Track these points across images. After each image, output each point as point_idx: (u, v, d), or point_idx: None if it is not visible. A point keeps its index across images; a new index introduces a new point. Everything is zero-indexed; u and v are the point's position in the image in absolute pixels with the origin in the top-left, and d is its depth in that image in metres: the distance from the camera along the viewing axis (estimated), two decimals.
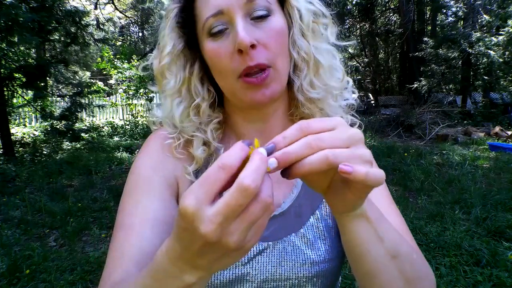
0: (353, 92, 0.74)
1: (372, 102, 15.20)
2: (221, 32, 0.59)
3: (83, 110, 8.20)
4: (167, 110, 0.69)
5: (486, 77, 12.09)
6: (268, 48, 0.59)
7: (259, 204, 0.34)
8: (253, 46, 0.57)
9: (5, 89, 6.75)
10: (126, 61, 11.10)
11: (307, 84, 0.66)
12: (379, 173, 0.39)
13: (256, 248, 0.63)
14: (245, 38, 0.55)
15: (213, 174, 0.34)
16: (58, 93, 8.61)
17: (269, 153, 0.38)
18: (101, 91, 10.78)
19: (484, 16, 10.54)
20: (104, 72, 11.51)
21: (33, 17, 5.36)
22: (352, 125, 0.74)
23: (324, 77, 0.67)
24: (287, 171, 0.39)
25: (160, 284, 0.42)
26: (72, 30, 7.76)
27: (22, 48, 7.23)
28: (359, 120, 0.74)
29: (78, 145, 8.02)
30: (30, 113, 10.24)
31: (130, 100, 11.16)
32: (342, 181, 0.43)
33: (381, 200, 0.65)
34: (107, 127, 10.97)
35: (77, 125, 8.38)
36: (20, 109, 8.65)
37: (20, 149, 7.42)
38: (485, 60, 10.52)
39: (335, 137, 0.39)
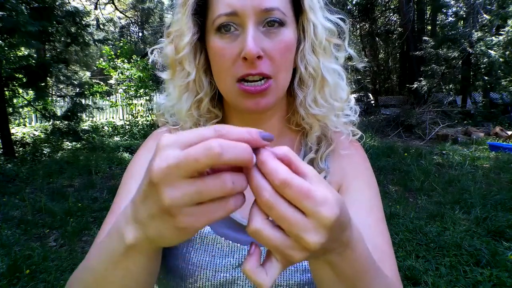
0: (355, 111, 0.73)
1: (372, 102, 15.21)
2: (229, 32, 0.58)
3: (84, 111, 8.22)
4: (173, 100, 0.68)
5: (486, 77, 12.09)
6: (273, 61, 0.58)
7: (218, 180, 0.31)
8: (259, 57, 0.56)
9: (5, 89, 6.75)
10: (126, 61, 11.10)
11: (311, 100, 0.66)
12: (260, 284, 0.34)
13: (248, 253, 0.62)
14: (253, 48, 0.54)
15: (204, 130, 0.32)
16: (58, 93, 8.61)
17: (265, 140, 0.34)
18: (103, 91, 10.78)
19: (485, 15, 10.54)
20: (106, 73, 11.51)
21: (36, 26, 5.36)
22: (354, 135, 0.74)
23: (328, 95, 0.66)
24: None
25: (108, 240, 0.42)
26: (73, 30, 7.77)
27: (22, 49, 7.24)
28: (360, 132, 0.74)
29: (78, 145, 8.02)
30: (30, 113, 10.24)
31: (131, 100, 11.16)
32: None
33: (368, 219, 0.63)
34: (107, 127, 10.98)
35: (80, 125, 8.43)
36: (21, 109, 8.66)
37: (20, 149, 7.42)
38: (486, 60, 10.51)
39: (283, 221, 0.33)
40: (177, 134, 0.33)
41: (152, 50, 0.72)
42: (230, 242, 0.63)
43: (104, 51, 10.96)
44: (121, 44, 11.66)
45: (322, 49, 0.64)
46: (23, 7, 6.03)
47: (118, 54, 11.04)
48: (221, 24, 0.58)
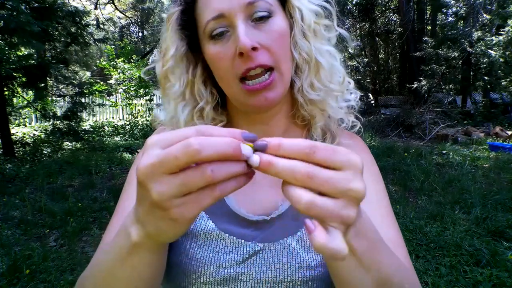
0: (355, 94, 0.73)
1: (372, 102, 15.21)
2: (222, 35, 0.59)
3: (84, 110, 8.22)
4: (171, 113, 0.68)
5: (486, 78, 12.09)
6: (271, 51, 0.59)
7: (198, 171, 0.33)
8: (254, 49, 0.56)
9: (5, 89, 6.75)
10: (126, 61, 11.10)
11: (307, 85, 0.66)
12: (339, 250, 0.34)
13: (252, 248, 0.63)
14: (246, 41, 0.55)
15: (186, 130, 0.35)
16: (58, 93, 8.61)
17: (259, 150, 0.35)
18: (103, 90, 10.77)
19: (485, 15, 10.53)
20: (106, 72, 11.52)
21: (38, 24, 5.38)
22: (353, 126, 0.74)
23: (324, 78, 0.66)
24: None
25: (116, 239, 0.45)
26: (73, 30, 7.77)
27: (23, 49, 7.24)
28: (360, 123, 0.74)
29: (78, 145, 8.02)
30: (30, 113, 10.24)
31: (131, 100, 11.16)
32: None
33: (377, 212, 0.63)
34: (107, 127, 10.98)
35: (80, 125, 8.43)
36: (21, 110, 8.67)
37: (20, 149, 7.42)
38: (486, 60, 10.51)
39: (329, 182, 0.34)
40: (161, 134, 0.35)
41: (146, 71, 0.73)
42: (234, 238, 0.63)
43: (106, 50, 10.97)
44: (123, 45, 11.68)
45: (312, 33, 0.64)
46: (23, 7, 6.02)
47: (119, 53, 11.05)
48: (212, 31, 0.59)
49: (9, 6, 5.44)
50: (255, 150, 0.35)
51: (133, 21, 24.27)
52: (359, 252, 0.42)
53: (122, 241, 0.43)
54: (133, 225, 0.41)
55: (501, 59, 9.95)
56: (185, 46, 0.65)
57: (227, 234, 0.63)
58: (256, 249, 0.63)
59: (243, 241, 0.63)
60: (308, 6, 0.64)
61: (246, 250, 0.62)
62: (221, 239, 0.63)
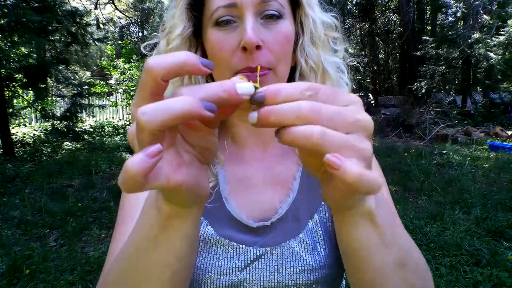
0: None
1: (372, 102, 15.21)
2: (228, 23, 0.58)
3: (83, 111, 8.20)
4: (167, 96, 0.67)
5: (487, 81, 12.08)
6: (272, 51, 0.58)
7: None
8: (258, 47, 0.56)
9: (5, 89, 6.75)
10: (126, 61, 11.11)
11: None
12: (375, 180, 0.30)
13: (254, 254, 0.62)
14: (252, 37, 0.54)
15: (141, 77, 0.32)
16: (58, 93, 8.60)
17: (257, 103, 0.32)
18: (102, 92, 10.76)
19: (484, 16, 10.52)
20: (106, 72, 11.53)
21: (38, 17, 5.38)
22: None
23: None
24: (278, 132, 0.32)
25: (144, 220, 0.42)
26: (73, 30, 7.76)
27: (23, 49, 7.23)
28: None
29: (78, 145, 8.02)
30: (30, 113, 10.24)
31: (131, 100, 11.15)
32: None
33: None
34: (107, 127, 10.99)
35: (79, 125, 8.40)
36: (21, 110, 8.66)
37: (20, 149, 7.42)
38: (485, 64, 10.50)
39: (338, 115, 0.31)
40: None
41: (146, 46, 0.70)
42: (235, 244, 0.62)
43: (107, 50, 10.98)
44: (123, 44, 11.70)
45: (321, 43, 0.64)
46: (23, 5, 6.02)
47: (123, 50, 11.07)
48: (219, 17, 0.58)
49: (9, 5, 5.44)
50: (252, 103, 0.32)
51: (133, 21, 24.27)
52: (381, 221, 0.40)
53: (153, 218, 0.40)
54: (158, 199, 0.39)
55: (501, 62, 9.92)
56: (192, 27, 0.62)
57: (227, 240, 0.62)
58: (258, 254, 0.62)
59: (244, 246, 0.62)
60: (320, 16, 0.64)
61: (248, 255, 0.61)
62: (221, 245, 0.62)
